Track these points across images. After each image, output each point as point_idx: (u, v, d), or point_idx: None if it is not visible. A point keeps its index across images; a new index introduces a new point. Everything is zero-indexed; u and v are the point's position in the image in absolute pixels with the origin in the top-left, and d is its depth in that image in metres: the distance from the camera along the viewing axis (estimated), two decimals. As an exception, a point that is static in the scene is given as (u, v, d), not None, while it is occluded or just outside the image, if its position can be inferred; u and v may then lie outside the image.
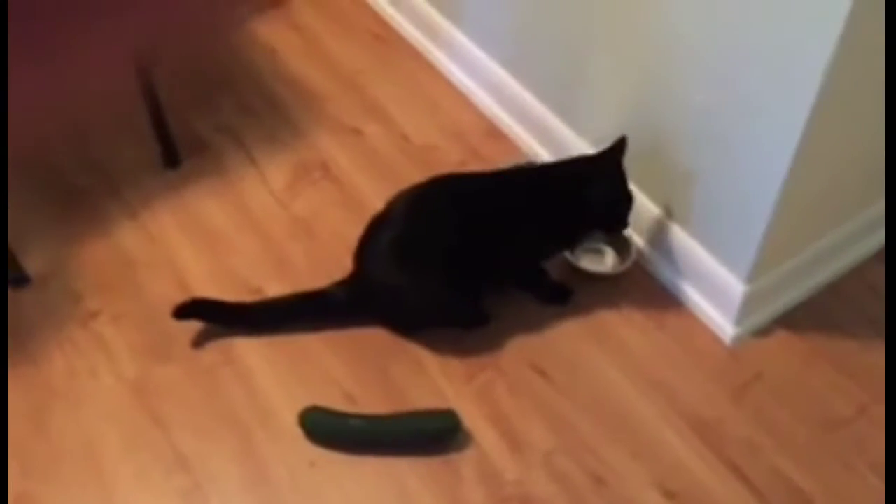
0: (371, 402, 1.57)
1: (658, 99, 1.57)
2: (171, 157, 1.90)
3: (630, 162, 1.71)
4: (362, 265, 1.60)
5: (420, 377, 1.61)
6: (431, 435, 1.51)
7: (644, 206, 1.70)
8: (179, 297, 1.69)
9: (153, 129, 1.87)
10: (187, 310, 1.63)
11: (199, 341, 1.65)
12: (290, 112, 2.02)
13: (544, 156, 1.89)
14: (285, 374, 1.61)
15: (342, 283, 1.63)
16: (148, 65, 1.76)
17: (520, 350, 1.63)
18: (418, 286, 1.54)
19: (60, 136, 1.91)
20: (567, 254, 1.72)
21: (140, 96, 1.84)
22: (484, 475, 1.49)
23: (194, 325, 1.67)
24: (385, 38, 2.16)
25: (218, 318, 1.65)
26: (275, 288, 1.72)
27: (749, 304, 1.59)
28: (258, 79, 2.09)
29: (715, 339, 1.64)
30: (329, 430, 1.53)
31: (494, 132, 1.97)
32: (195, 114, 2.00)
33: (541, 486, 1.47)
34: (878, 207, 1.66)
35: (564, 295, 1.68)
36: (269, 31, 2.18)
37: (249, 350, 1.64)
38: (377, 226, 1.59)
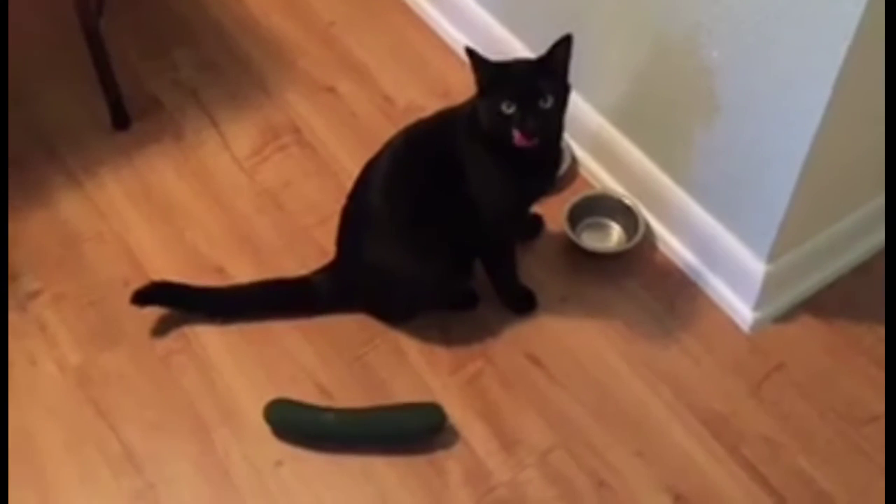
0: (347, 396, 1.55)
1: (670, 55, 1.55)
2: (120, 117, 1.86)
3: (640, 128, 1.70)
4: (350, 250, 1.58)
5: (401, 368, 1.59)
6: (414, 431, 1.50)
7: (654, 176, 1.69)
8: (130, 276, 1.68)
9: (100, 85, 1.83)
10: (147, 295, 1.60)
11: (152, 325, 1.62)
12: (257, 68, 1.99)
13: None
14: (250, 363, 1.59)
15: (325, 271, 1.61)
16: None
17: (513, 337, 1.62)
18: (414, 265, 1.52)
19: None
20: (568, 230, 1.70)
21: (85, 47, 1.80)
22: (472, 476, 1.48)
23: (147, 308, 1.64)
24: (365, -14, 2.14)
25: (183, 304, 1.63)
26: (238, 266, 1.70)
27: (770, 286, 1.58)
28: (221, 30, 2.06)
29: (732, 324, 1.63)
30: (299, 425, 1.51)
31: (487, 93, 1.95)
32: (149, 68, 1.97)
33: (536, 489, 1.46)
34: (916, 179, 1.65)
35: (528, 302, 1.64)
36: (234, -23, 2.15)
37: (209, 336, 1.62)
38: (356, 207, 1.56)
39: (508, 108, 1.40)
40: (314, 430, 1.51)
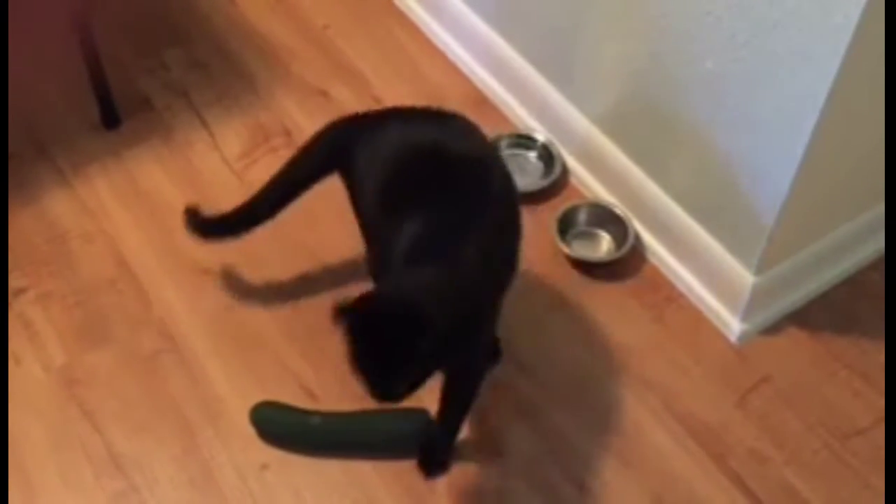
0: (333, 399, 1.54)
1: (663, 66, 1.56)
2: (109, 115, 1.86)
3: (630, 137, 1.71)
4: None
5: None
6: (401, 436, 1.50)
7: (644, 186, 1.70)
8: (116, 276, 1.68)
9: (90, 83, 1.83)
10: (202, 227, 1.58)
11: (137, 324, 1.62)
12: (249, 70, 1.99)
13: (536, 128, 1.88)
14: (236, 365, 1.59)
15: None
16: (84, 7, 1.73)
17: (501, 345, 1.61)
18: None
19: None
20: (557, 239, 1.71)
21: (76, 44, 1.79)
22: (459, 483, 1.47)
23: (132, 306, 1.64)
24: (359, -10, 2.14)
25: (226, 232, 1.59)
26: (226, 268, 1.69)
27: (758, 297, 1.59)
28: (213, 31, 2.06)
29: (719, 335, 1.64)
30: (285, 429, 1.51)
31: (481, 101, 1.95)
32: (140, 68, 1.97)
33: (522, 497, 1.46)
34: (905, 194, 1.67)
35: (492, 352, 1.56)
36: (227, -22, 2.15)
37: (196, 336, 1.62)
38: None
39: None
40: (300, 434, 1.51)
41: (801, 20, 1.29)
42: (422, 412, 1.50)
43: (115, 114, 1.87)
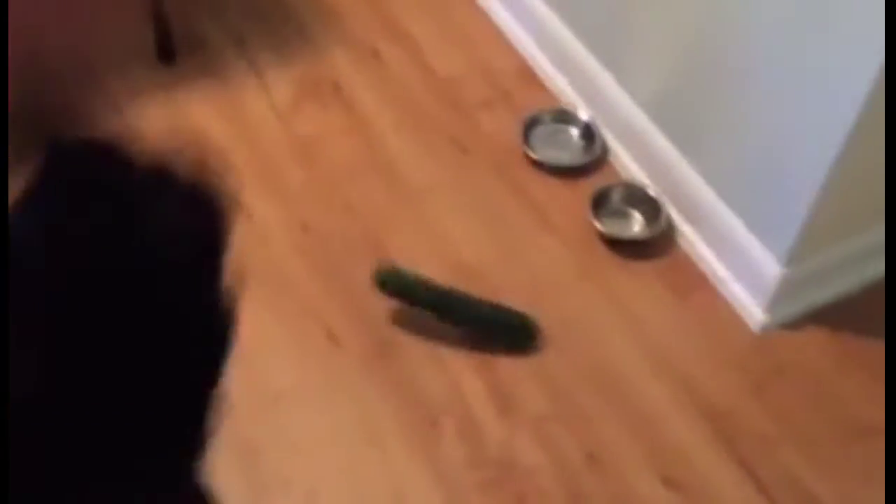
0: (356, 346, 1.58)
1: (709, 50, 1.57)
2: (165, 50, 1.90)
3: (672, 120, 1.72)
4: None
5: (411, 323, 1.61)
6: (506, 329, 1.57)
7: (681, 169, 1.71)
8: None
9: (150, 15, 1.87)
10: None
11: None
12: (304, 22, 2.03)
13: (581, 107, 1.89)
14: (256, 303, 1.58)
15: None
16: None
17: (521, 305, 1.62)
18: None
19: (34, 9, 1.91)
20: (591, 215, 1.73)
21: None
22: (466, 433, 1.50)
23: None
24: (418, -43, 2.17)
25: None
26: (262, 207, 1.73)
27: (784, 290, 1.59)
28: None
29: (741, 323, 1.65)
30: (401, 288, 1.58)
31: (528, 75, 1.97)
32: (199, 7, 2.00)
33: (526, 454, 1.48)
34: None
35: None
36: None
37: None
38: None
39: None
40: (414, 298, 1.58)
41: (842, 11, 1.30)
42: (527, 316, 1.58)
43: (171, 49, 1.91)
